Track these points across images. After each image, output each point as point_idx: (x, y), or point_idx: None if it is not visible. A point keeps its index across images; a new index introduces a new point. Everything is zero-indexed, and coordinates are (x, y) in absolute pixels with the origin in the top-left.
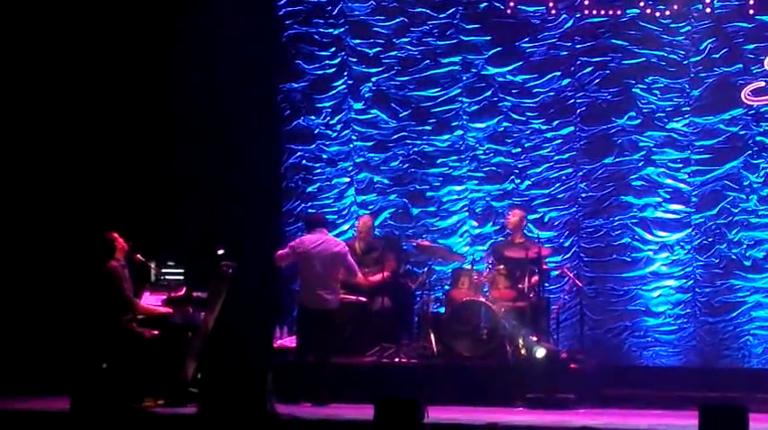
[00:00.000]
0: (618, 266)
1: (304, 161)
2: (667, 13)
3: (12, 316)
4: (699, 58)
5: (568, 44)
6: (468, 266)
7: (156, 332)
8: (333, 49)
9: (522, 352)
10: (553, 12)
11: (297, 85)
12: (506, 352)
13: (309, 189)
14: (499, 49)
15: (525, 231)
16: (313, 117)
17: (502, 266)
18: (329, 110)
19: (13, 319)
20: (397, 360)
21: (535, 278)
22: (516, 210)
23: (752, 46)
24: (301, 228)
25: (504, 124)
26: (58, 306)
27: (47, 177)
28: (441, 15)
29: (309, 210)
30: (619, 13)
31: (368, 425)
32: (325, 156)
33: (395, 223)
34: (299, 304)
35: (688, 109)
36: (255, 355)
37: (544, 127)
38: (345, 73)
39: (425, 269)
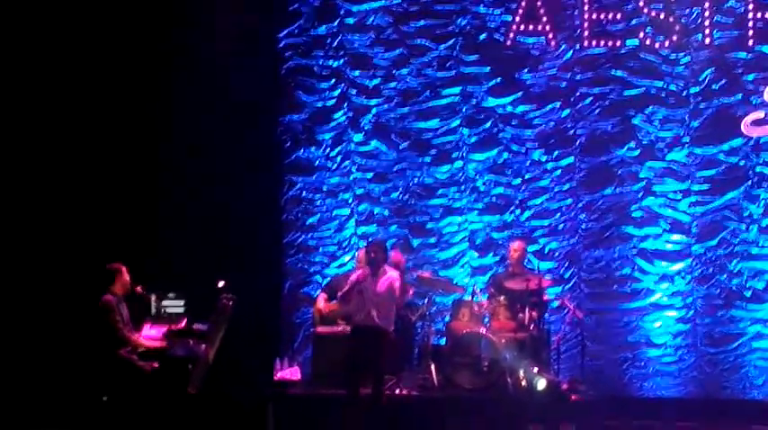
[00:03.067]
0: (618, 297)
1: (304, 193)
2: (667, 44)
3: (12, 347)
4: (698, 88)
5: (568, 75)
6: (469, 298)
7: (155, 365)
8: (333, 81)
9: (523, 383)
10: (553, 43)
11: (297, 117)
12: (507, 383)
13: (310, 220)
14: (499, 80)
15: (525, 263)
16: (313, 149)
17: (502, 298)
18: (329, 141)
19: (12, 351)
20: (397, 391)
21: (534, 312)
22: (518, 243)
23: (751, 76)
24: (300, 260)
25: (504, 155)
26: (59, 338)
27: (48, 205)
28: (440, 47)
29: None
30: (618, 44)
31: None
32: (325, 188)
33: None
34: None
35: (688, 139)
36: (256, 387)
37: (544, 158)
38: (345, 105)
39: (426, 300)
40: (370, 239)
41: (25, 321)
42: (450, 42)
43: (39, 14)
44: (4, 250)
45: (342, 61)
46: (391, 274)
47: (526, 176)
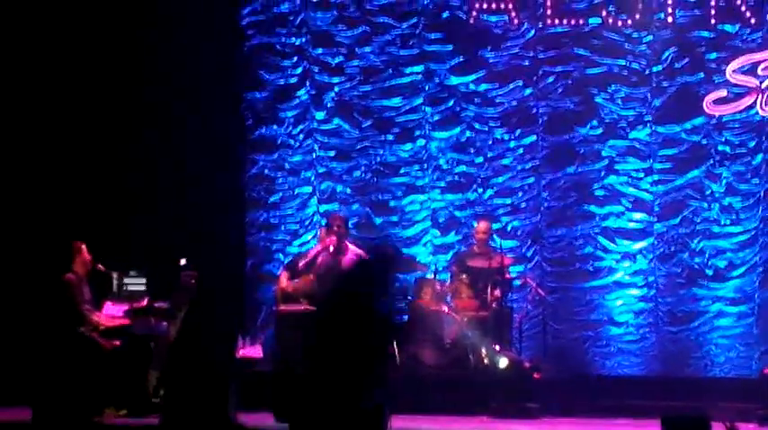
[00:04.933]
0: (580, 276)
1: (266, 171)
2: (629, 22)
3: None
4: (661, 67)
5: (531, 54)
6: (431, 276)
7: (117, 343)
8: (295, 59)
9: (485, 361)
10: (515, 21)
11: (259, 95)
12: (469, 361)
13: (272, 199)
14: (462, 58)
15: (489, 241)
16: (275, 126)
17: (465, 276)
18: (292, 119)
19: None
20: None
21: (497, 292)
22: (484, 223)
23: (714, 55)
24: (263, 238)
25: (467, 134)
26: (22, 316)
27: (7, 182)
28: (403, 25)
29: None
30: (581, 22)
31: None
32: (287, 166)
33: (358, 233)
34: None
35: (650, 118)
36: (218, 365)
37: (507, 136)
38: (308, 82)
39: None
40: (331, 211)
41: None
42: (413, 20)
43: None
44: None
45: (304, 39)
46: (357, 252)
47: (489, 155)
